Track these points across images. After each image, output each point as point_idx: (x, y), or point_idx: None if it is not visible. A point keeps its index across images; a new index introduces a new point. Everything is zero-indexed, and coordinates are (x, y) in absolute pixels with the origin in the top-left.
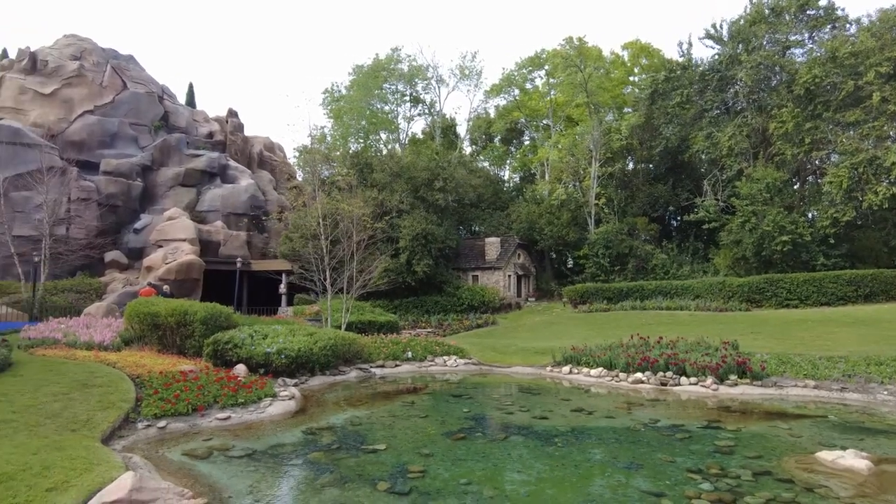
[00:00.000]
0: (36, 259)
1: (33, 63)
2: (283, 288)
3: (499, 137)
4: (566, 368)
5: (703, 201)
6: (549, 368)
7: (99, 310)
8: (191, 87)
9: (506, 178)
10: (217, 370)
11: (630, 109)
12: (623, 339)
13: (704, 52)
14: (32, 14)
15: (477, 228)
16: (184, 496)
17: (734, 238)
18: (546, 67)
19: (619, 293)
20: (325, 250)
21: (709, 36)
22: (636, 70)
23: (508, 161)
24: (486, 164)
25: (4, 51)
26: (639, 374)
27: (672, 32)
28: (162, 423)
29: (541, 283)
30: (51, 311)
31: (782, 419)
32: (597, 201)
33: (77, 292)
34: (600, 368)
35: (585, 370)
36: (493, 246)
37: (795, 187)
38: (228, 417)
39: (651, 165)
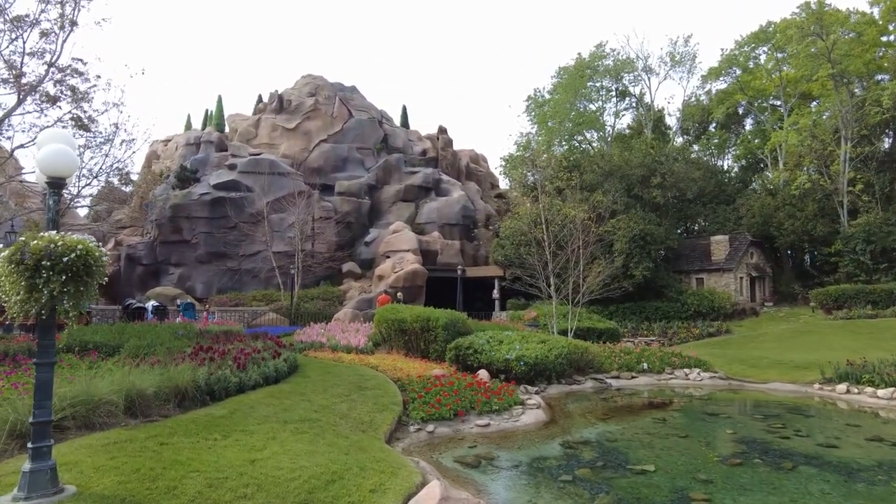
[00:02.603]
0: (291, 271)
1: (280, 104)
2: (496, 293)
3: (714, 124)
4: (841, 387)
5: None
6: (817, 386)
7: (346, 315)
8: (404, 109)
9: (725, 167)
10: (463, 375)
11: (886, 77)
12: None
13: None
14: (278, 59)
15: (697, 226)
16: None
17: None
18: (771, 42)
19: (889, 296)
20: (549, 256)
21: None
22: (890, 28)
23: (729, 149)
24: (700, 154)
25: (260, 96)
26: None
27: None
28: (430, 427)
29: (779, 285)
30: (304, 317)
31: None
32: (850, 188)
33: (323, 299)
34: (892, 389)
35: (870, 390)
36: (720, 245)
37: None
38: (488, 425)
39: None
